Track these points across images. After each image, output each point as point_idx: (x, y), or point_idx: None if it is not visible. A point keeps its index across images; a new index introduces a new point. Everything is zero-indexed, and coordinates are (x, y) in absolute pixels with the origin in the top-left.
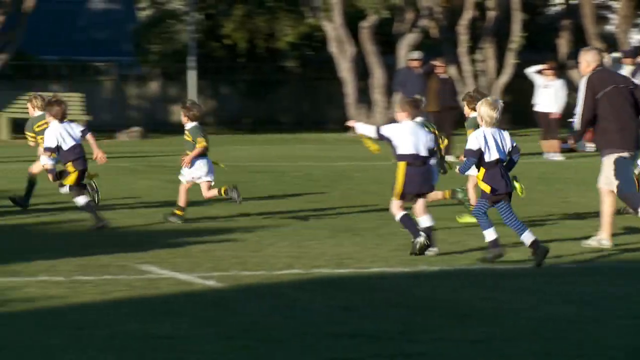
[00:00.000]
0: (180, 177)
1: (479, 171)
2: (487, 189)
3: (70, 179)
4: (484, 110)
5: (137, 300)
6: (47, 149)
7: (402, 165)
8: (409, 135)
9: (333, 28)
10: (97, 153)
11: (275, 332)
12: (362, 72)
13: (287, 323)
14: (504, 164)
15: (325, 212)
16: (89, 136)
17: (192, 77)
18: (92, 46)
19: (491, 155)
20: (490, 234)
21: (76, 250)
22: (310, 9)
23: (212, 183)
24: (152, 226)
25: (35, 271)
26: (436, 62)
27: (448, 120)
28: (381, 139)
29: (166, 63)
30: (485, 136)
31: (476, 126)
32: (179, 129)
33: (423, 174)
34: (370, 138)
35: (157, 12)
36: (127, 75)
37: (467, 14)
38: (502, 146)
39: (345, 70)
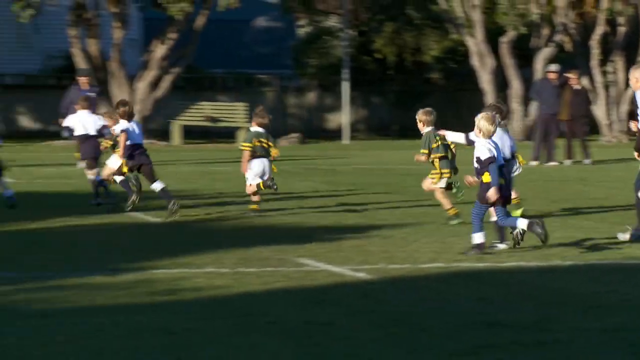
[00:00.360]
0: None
1: (481, 175)
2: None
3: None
4: (483, 124)
5: (295, 290)
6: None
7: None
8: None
9: (475, 43)
10: None
11: (420, 321)
12: (501, 83)
13: (432, 312)
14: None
15: (464, 211)
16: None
17: (345, 88)
18: (256, 60)
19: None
20: (479, 237)
21: (239, 244)
22: (453, 25)
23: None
24: (308, 223)
25: (202, 263)
26: (570, 74)
27: (579, 128)
28: (470, 144)
29: (322, 75)
30: (490, 147)
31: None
32: (333, 135)
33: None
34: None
35: (314, 29)
36: (287, 87)
37: (599, 30)
38: (501, 153)
39: (485, 81)
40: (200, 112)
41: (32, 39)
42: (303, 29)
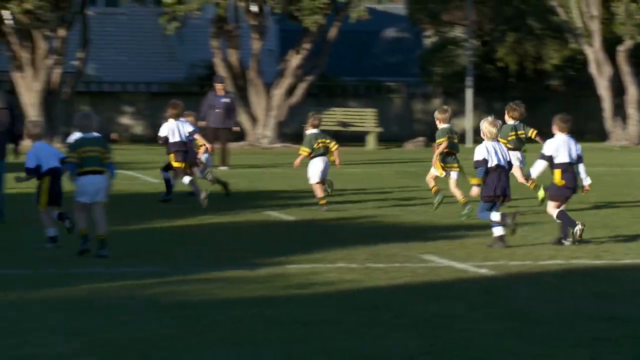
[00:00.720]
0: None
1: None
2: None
3: (175, 165)
4: (486, 127)
5: (420, 285)
6: (158, 138)
7: (557, 172)
8: (563, 146)
9: (593, 52)
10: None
11: (539, 315)
12: (617, 90)
13: (550, 307)
14: (506, 170)
15: (583, 211)
16: (196, 136)
17: (469, 95)
18: (385, 69)
19: (492, 162)
20: (498, 231)
21: (369, 241)
22: (573, 35)
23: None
24: (433, 222)
25: (334, 259)
26: None
27: None
28: (549, 160)
29: (447, 83)
30: (487, 148)
31: (514, 129)
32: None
33: (574, 178)
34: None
35: (440, 39)
36: (414, 94)
37: None
38: (502, 156)
39: (603, 88)
40: (332, 118)
41: (176, 50)
42: (429, 39)
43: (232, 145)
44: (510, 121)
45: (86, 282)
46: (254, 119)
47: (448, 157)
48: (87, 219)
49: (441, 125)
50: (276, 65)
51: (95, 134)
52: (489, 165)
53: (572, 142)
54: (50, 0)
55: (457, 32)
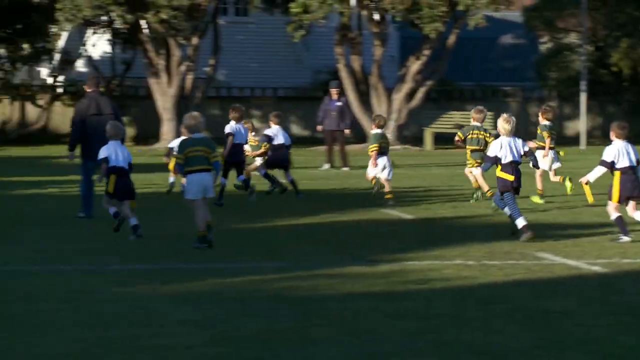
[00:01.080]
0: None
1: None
2: (509, 178)
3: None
4: (501, 124)
5: (535, 281)
6: (226, 134)
7: (617, 175)
8: (622, 151)
9: None
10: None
11: None
12: None
13: None
14: (518, 164)
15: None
16: (246, 147)
17: (583, 98)
18: (501, 74)
19: (506, 158)
20: (520, 222)
21: (485, 239)
22: None
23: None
24: (546, 220)
25: (451, 256)
26: None
27: None
28: (611, 167)
29: (562, 87)
30: (502, 144)
31: (549, 129)
32: (572, 141)
33: (633, 181)
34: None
35: (555, 45)
36: (529, 97)
37: None
38: (516, 151)
39: None
40: (450, 121)
41: (302, 57)
42: (545, 45)
43: (355, 147)
44: (544, 122)
45: (213, 276)
46: None
47: (473, 153)
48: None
49: (473, 123)
50: (397, 71)
51: (202, 135)
52: (502, 162)
53: (629, 147)
54: (185, 10)
55: (572, 39)
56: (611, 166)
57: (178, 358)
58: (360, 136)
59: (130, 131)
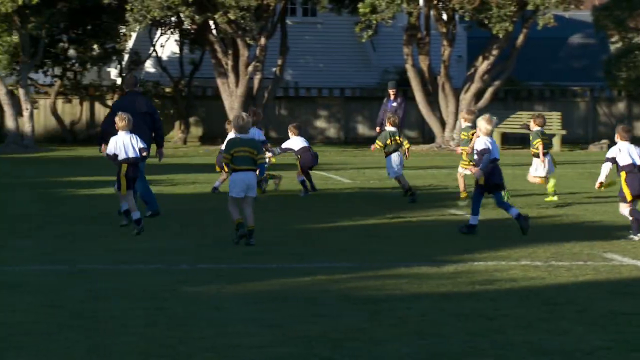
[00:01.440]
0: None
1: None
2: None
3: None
4: (482, 124)
5: (603, 283)
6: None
7: (623, 176)
8: (624, 150)
9: None
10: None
11: None
12: None
13: None
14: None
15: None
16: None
17: None
18: (570, 73)
19: (491, 156)
20: (473, 220)
21: (552, 239)
22: None
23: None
24: (615, 221)
25: (518, 256)
26: None
27: None
28: (614, 162)
29: (631, 87)
30: (486, 143)
31: (541, 135)
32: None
33: (638, 179)
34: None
35: (625, 45)
36: (598, 97)
37: None
38: (497, 150)
39: None
40: (518, 121)
41: (370, 56)
42: (615, 44)
43: (423, 147)
44: (536, 128)
45: (278, 277)
46: (442, 123)
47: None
48: (239, 210)
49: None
50: (465, 70)
51: (249, 136)
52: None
53: (632, 148)
54: (253, 10)
55: None
56: (613, 161)
57: (249, 357)
58: (427, 137)
59: (197, 131)
